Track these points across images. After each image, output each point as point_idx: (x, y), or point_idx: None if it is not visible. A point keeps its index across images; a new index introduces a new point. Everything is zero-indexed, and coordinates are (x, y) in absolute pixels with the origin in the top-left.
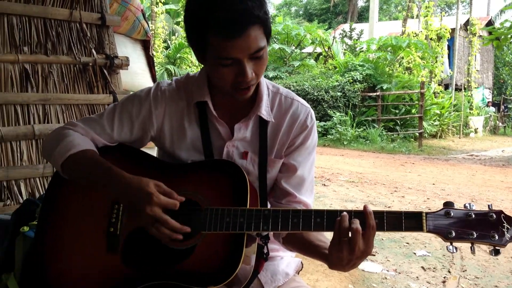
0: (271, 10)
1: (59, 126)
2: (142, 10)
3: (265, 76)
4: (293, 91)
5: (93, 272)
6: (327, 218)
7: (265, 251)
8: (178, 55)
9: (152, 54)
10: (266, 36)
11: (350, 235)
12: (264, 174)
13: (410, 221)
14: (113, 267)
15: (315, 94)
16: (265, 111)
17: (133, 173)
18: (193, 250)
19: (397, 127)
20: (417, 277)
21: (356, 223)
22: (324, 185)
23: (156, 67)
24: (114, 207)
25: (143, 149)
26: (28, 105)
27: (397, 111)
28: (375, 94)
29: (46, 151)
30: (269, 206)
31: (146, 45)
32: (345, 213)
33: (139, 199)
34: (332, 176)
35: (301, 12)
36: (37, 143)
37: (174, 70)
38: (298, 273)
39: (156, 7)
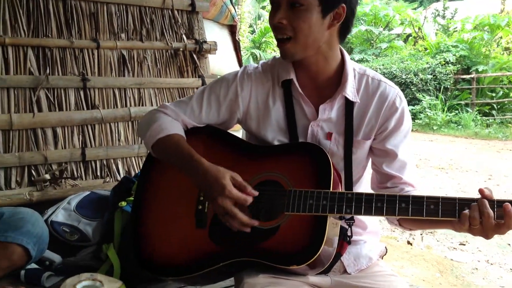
0: None
1: (153, 109)
2: None
3: (350, 59)
4: (380, 74)
5: (183, 246)
6: (413, 203)
7: (349, 234)
8: (264, 39)
9: (238, 38)
10: None
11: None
12: (350, 155)
13: None
14: (201, 242)
15: (403, 77)
16: (350, 92)
17: (219, 154)
18: (276, 230)
19: (493, 112)
20: (511, 269)
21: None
22: None
23: (241, 52)
24: None
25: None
26: (125, 89)
27: (493, 95)
28: (469, 76)
29: (140, 132)
30: (358, 188)
31: (232, 30)
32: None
33: (214, 189)
34: (420, 162)
35: None
36: (133, 125)
37: (259, 54)
38: (382, 258)
39: None
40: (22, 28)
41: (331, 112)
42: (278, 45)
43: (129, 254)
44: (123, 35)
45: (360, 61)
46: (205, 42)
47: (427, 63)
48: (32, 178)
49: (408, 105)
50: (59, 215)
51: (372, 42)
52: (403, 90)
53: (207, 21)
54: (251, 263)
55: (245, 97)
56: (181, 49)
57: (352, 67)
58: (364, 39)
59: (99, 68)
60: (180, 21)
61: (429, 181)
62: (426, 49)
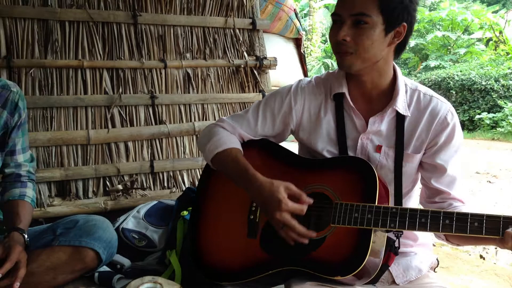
0: None
1: (212, 123)
2: (294, 9)
3: (426, 66)
4: (457, 81)
5: (235, 253)
6: (457, 220)
7: (396, 245)
8: None
9: (303, 51)
10: (380, 10)
11: None
12: (400, 169)
13: None
14: (252, 250)
15: (483, 83)
16: (401, 106)
17: (271, 166)
18: (323, 241)
19: None
20: None
21: None
22: (489, 182)
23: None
24: None
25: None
26: (190, 104)
27: None
28: None
29: (200, 146)
30: (407, 201)
31: (298, 43)
32: None
33: (270, 204)
34: (500, 173)
35: None
36: (197, 138)
37: (331, 64)
38: (434, 270)
39: (315, 2)
40: (98, 52)
41: (381, 124)
42: (336, 56)
43: (188, 261)
44: (188, 55)
45: (436, 67)
46: (265, 58)
47: (509, 68)
48: (107, 188)
49: (489, 112)
50: (129, 222)
51: (449, 47)
52: (482, 97)
53: (272, 35)
54: (299, 271)
55: (298, 110)
56: (242, 65)
57: (403, 82)
58: (441, 45)
59: (166, 86)
60: (241, 39)
61: (509, 194)
62: (508, 53)
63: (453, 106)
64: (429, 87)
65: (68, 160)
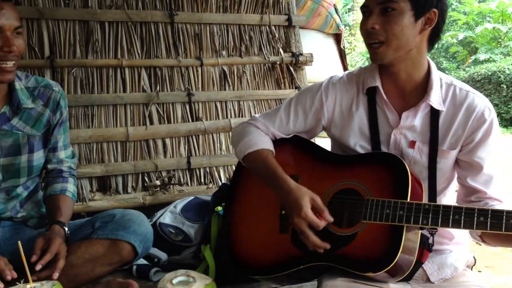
0: None
1: (244, 121)
2: (334, 5)
3: (475, 60)
4: (508, 74)
5: (268, 248)
6: (491, 217)
7: (430, 242)
8: None
9: (343, 46)
10: (411, 1)
11: None
12: (434, 165)
13: None
14: (284, 246)
15: None
16: (435, 101)
17: (302, 162)
18: (354, 237)
19: None
20: None
21: None
22: None
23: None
24: None
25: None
26: (226, 101)
27: None
28: None
29: (232, 144)
30: (442, 199)
31: (338, 38)
32: None
33: (293, 208)
34: None
35: None
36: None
37: None
38: (471, 269)
39: None
40: (137, 51)
41: (414, 119)
42: (368, 49)
43: (222, 255)
44: (224, 52)
45: (486, 61)
46: (301, 54)
47: None
48: (145, 184)
49: None
50: (166, 217)
51: (500, 40)
52: None
53: (311, 31)
54: (331, 267)
55: (329, 105)
56: (278, 62)
57: (438, 76)
58: (491, 37)
59: (203, 84)
60: (277, 35)
61: None
62: None
63: (504, 101)
64: (479, 81)
65: (108, 156)
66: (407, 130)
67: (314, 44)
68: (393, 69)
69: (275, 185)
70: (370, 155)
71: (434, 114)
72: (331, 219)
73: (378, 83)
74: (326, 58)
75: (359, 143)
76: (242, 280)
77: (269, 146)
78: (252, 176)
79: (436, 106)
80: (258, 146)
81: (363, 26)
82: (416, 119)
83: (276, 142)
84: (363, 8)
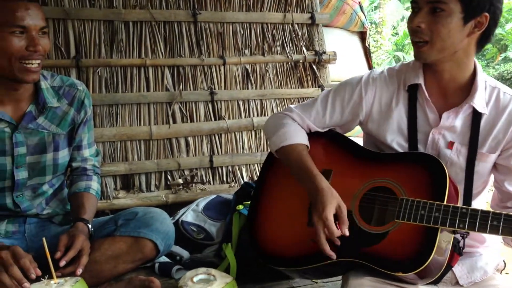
0: None
1: (280, 111)
2: (359, 2)
3: (505, 57)
4: None
5: (295, 241)
6: None
7: (461, 245)
8: (407, 41)
9: (368, 44)
10: (461, 4)
11: None
12: (472, 167)
13: None
14: (311, 239)
15: None
16: (479, 103)
17: (336, 157)
18: (385, 236)
19: None
20: None
21: None
22: None
23: (383, 55)
24: None
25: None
26: (249, 100)
27: None
28: None
29: (266, 133)
30: (477, 202)
31: (363, 36)
32: None
33: (318, 207)
34: None
35: None
36: (256, 134)
37: (403, 56)
38: (501, 272)
39: None
40: (160, 51)
41: (454, 120)
42: (413, 46)
43: (244, 254)
44: (246, 51)
45: None
46: (325, 52)
47: None
48: (168, 182)
49: None
50: (189, 215)
51: None
52: None
53: (336, 29)
54: (359, 265)
55: (368, 100)
56: (301, 60)
57: (483, 79)
58: None
59: (225, 82)
60: (300, 34)
61: None
62: None
63: None
64: (508, 79)
65: (132, 154)
66: (446, 130)
67: (338, 43)
68: (437, 68)
69: (306, 181)
70: (406, 154)
71: (476, 116)
72: (347, 233)
73: (421, 81)
74: (350, 57)
75: (396, 140)
76: (262, 279)
77: (304, 140)
78: (282, 168)
79: (480, 108)
80: (293, 140)
81: (410, 23)
82: (457, 120)
83: (311, 135)
84: (412, 3)
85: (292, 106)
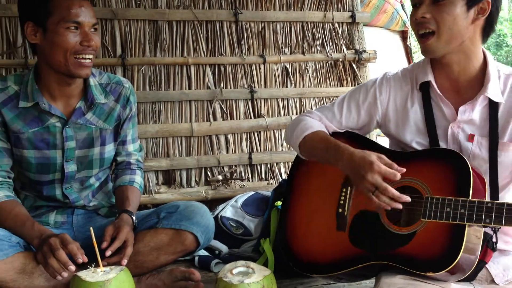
0: None
1: (299, 114)
2: (401, 1)
3: None
4: None
5: (325, 246)
6: None
7: (494, 240)
8: None
9: (410, 43)
10: None
11: None
12: (495, 158)
13: None
14: (341, 244)
15: None
16: (494, 93)
17: None
18: (413, 236)
19: None
20: None
21: None
22: None
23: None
24: (342, 190)
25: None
26: (288, 98)
27: None
28: None
29: (287, 136)
30: (505, 195)
31: (404, 35)
32: None
33: (362, 167)
34: None
35: None
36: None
37: None
38: None
39: None
40: (202, 49)
41: (471, 113)
42: (419, 42)
43: (279, 250)
44: (286, 50)
45: None
46: (365, 51)
47: None
48: (208, 179)
49: None
50: (228, 211)
51: None
52: None
53: (377, 29)
54: (389, 266)
55: (383, 101)
56: (340, 59)
57: (496, 68)
58: None
59: (265, 81)
60: (340, 32)
61: None
62: None
63: None
64: None
65: (174, 151)
66: (465, 123)
67: (379, 42)
68: (445, 61)
69: (337, 154)
70: (427, 151)
71: (492, 106)
72: (403, 169)
73: (430, 78)
74: (391, 56)
75: (415, 140)
76: (300, 274)
77: (325, 129)
78: (308, 174)
79: (495, 98)
80: (315, 128)
81: (413, 17)
82: (474, 113)
83: (331, 135)
84: (413, 0)
85: (311, 109)
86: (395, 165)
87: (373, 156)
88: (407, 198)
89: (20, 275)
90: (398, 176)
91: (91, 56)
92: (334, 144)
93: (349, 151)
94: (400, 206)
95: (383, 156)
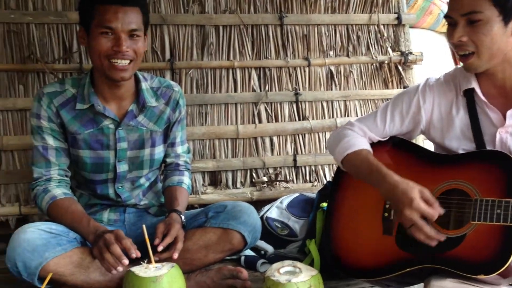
0: None
1: (340, 126)
2: (447, 2)
3: None
4: None
5: (371, 250)
6: None
7: None
8: None
9: None
10: (492, 2)
11: None
12: None
13: None
14: (388, 248)
15: None
16: None
17: (404, 163)
18: (463, 239)
19: None
20: None
21: None
22: None
23: None
24: None
25: None
26: (332, 101)
27: None
28: None
29: (329, 148)
30: None
31: None
32: None
33: (402, 201)
34: None
35: None
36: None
37: None
38: None
39: None
40: (247, 53)
41: None
42: (461, 60)
43: (324, 251)
44: (331, 53)
45: None
46: (411, 53)
47: None
48: (253, 180)
49: None
50: (273, 212)
51: None
52: None
53: (423, 30)
54: (439, 269)
55: (427, 109)
56: (386, 61)
57: None
58: None
59: (310, 83)
60: (385, 35)
61: None
62: None
63: None
64: None
65: (220, 152)
66: None
67: (425, 44)
68: (489, 72)
69: (379, 180)
70: (475, 153)
71: None
72: (442, 211)
73: (474, 85)
74: (437, 58)
75: (462, 147)
76: (345, 276)
77: (368, 147)
78: (352, 180)
79: None
80: (357, 147)
81: (450, 39)
82: None
83: (375, 144)
84: (447, 18)
85: (352, 120)
86: (437, 203)
87: (415, 191)
88: (442, 237)
89: (77, 269)
90: (436, 216)
91: (125, 61)
92: (376, 168)
93: (392, 181)
94: (435, 244)
95: (426, 192)
